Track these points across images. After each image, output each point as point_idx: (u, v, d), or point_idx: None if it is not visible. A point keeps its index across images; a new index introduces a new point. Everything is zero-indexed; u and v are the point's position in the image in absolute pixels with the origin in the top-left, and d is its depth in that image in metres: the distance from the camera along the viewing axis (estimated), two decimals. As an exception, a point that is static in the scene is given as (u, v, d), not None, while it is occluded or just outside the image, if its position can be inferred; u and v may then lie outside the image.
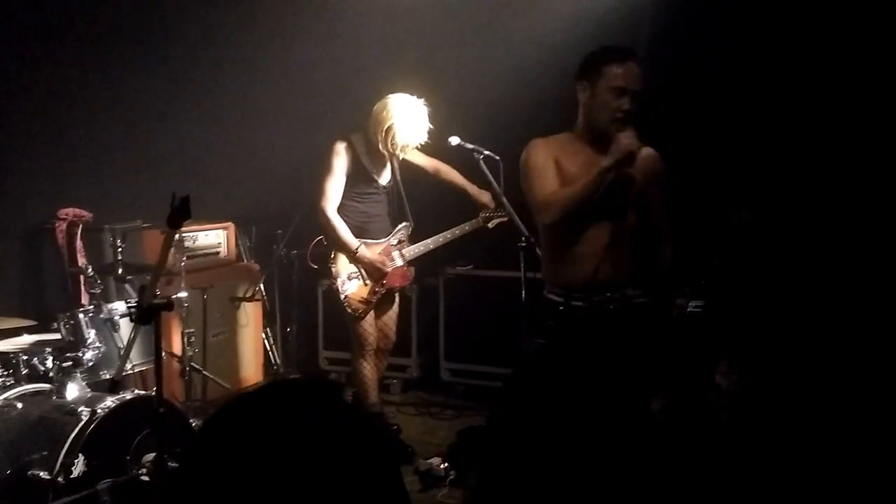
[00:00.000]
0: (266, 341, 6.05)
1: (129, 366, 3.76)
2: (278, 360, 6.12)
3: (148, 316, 2.24)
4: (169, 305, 2.27)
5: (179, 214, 2.23)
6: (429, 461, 4.33)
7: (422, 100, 4.41)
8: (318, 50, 5.62)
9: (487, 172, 3.91)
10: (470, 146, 3.96)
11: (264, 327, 6.02)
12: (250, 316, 5.82)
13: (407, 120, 4.33)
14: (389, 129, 4.32)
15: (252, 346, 5.87)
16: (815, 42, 4.54)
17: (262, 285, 5.79)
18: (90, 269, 3.86)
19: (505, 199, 3.86)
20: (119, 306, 3.80)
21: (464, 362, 5.62)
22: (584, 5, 5.08)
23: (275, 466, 1.43)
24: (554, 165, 3.17)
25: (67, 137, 4.91)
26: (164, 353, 3.96)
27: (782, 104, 4.65)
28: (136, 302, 2.24)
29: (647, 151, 3.17)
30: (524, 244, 3.73)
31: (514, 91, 5.17)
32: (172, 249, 4.91)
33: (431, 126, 4.41)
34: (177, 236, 4.90)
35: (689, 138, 4.59)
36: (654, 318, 3.26)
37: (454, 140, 3.98)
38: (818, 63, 4.53)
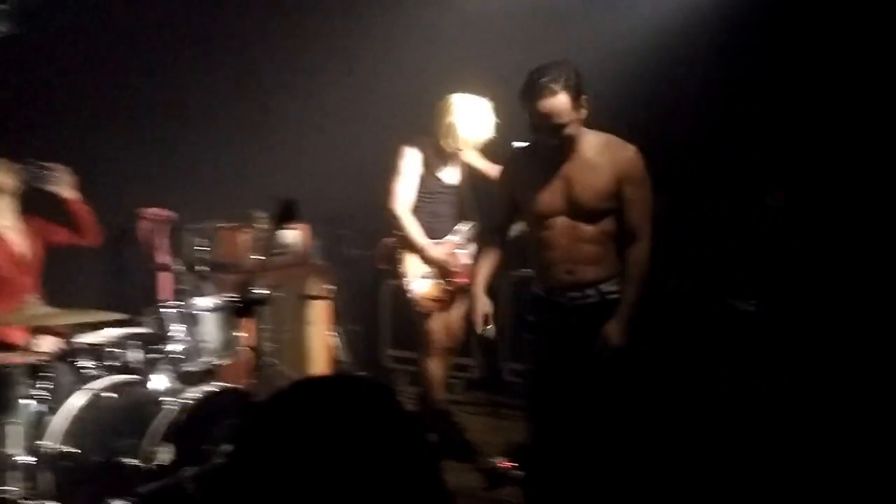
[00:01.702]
0: (333, 339, 6.20)
1: (209, 359, 3.91)
2: (345, 358, 6.27)
3: (247, 310, 2.36)
4: (265, 300, 2.40)
5: (285, 216, 2.35)
6: (492, 460, 4.42)
7: (485, 98, 4.48)
8: (385, 52, 5.73)
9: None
10: None
11: (332, 325, 6.17)
12: (319, 314, 5.97)
13: (468, 117, 4.41)
14: (451, 125, 4.40)
15: (320, 343, 6.01)
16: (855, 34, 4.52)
17: (330, 284, 5.94)
18: (177, 266, 4.02)
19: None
20: (202, 301, 3.96)
21: (525, 362, 5.67)
22: (651, 10, 5.12)
23: (314, 459, 1.51)
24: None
25: (152, 141, 5.13)
26: (244, 347, 4.18)
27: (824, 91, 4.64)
28: (236, 297, 2.37)
29: (623, 151, 3.36)
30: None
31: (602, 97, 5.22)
32: (252, 248, 5.14)
33: (498, 121, 4.48)
34: (257, 237, 5.10)
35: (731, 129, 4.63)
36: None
37: (518, 145, 4.05)
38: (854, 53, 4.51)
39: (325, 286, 5.90)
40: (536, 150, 3.41)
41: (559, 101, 3.22)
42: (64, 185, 4.21)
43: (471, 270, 4.65)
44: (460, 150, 4.54)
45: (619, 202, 3.34)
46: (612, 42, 5.16)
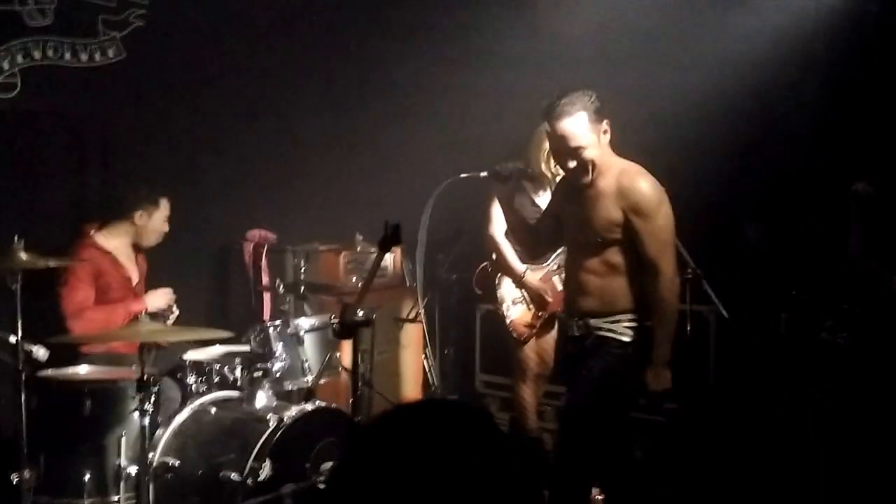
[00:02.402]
0: (425, 362, 6.22)
1: (309, 378, 3.98)
2: (436, 382, 6.28)
3: (349, 331, 2.40)
4: (368, 322, 2.43)
5: (391, 239, 2.39)
6: (586, 490, 4.35)
7: None
8: (480, 76, 5.75)
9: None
10: None
11: (424, 349, 6.20)
12: (411, 337, 6.00)
13: None
14: (550, 151, 4.40)
15: (412, 366, 6.04)
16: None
17: (422, 308, 5.97)
18: (281, 287, 4.12)
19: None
20: (304, 322, 4.03)
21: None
22: (765, 25, 5.02)
23: (419, 483, 1.50)
24: None
25: (256, 166, 5.27)
26: (342, 368, 4.24)
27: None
28: (338, 318, 2.40)
29: (634, 180, 3.22)
30: (690, 276, 3.71)
31: (689, 116, 5.15)
32: (349, 270, 5.22)
33: None
34: (356, 259, 5.18)
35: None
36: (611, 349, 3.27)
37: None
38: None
39: (418, 309, 5.93)
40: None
41: (577, 123, 3.17)
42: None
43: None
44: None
45: (626, 234, 3.20)
46: (700, 62, 5.09)
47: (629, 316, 3.21)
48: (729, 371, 4.67)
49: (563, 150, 3.22)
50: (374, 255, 5.48)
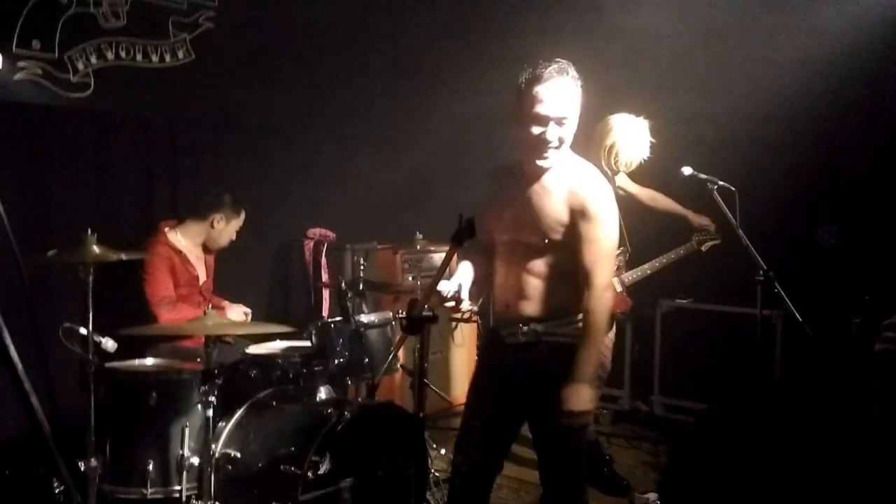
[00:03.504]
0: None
1: (369, 374, 4.01)
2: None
3: (416, 326, 2.41)
4: (435, 318, 2.44)
5: (465, 233, 2.38)
6: (645, 495, 4.31)
7: (641, 117, 4.39)
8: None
9: (722, 203, 3.84)
10: (704, 176, 3.90)
11: (478, 349, 6.20)
12: (465, 337, 6.02)
13: (630, 137, 4.31)
14: (612, 146, 4.31)
15: (466, 366, 6.06)
16: None
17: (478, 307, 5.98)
18: (343, 284, 4.16)
19: (741, 232, 3.77)
20: (364, 318, 4.06)
21: (679, 398, 5.54)
22: (842, 23, 4.89)
23: None
24: None
25: (317, 166, 5.34)
26: (399, 365, 4.26)
27: None
28: (406, 314, 2.41)
29: (584, 180, 2.91)
30: (762, 278, 3.63)
31: (765, 116, 5.06)
32: (406, 268, 5.26)
33: (653, 140, 4.39)
34: (413, 258, 5.21)
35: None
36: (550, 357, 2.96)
37: (687, 170, 3.94)
38: None
39: (473, 309, 5.94)
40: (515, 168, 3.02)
41: (570, 87, 2.82)
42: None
43: (620, 297, 4.59)
44: (621, 171, 4.47)
45: (567, 237, 2.90)
46: (776, 61, 5.00)
47: (580, 316, 2.93)
48: (796, 376, 4.58)
49: (546, 115, 2.80)
50: (433, 254, 5.60)
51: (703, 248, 4.60)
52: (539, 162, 2.89)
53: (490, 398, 3.11)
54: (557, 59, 2.84)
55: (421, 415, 2.57)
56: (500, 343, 3.07)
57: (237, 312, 4.45)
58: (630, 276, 4.69)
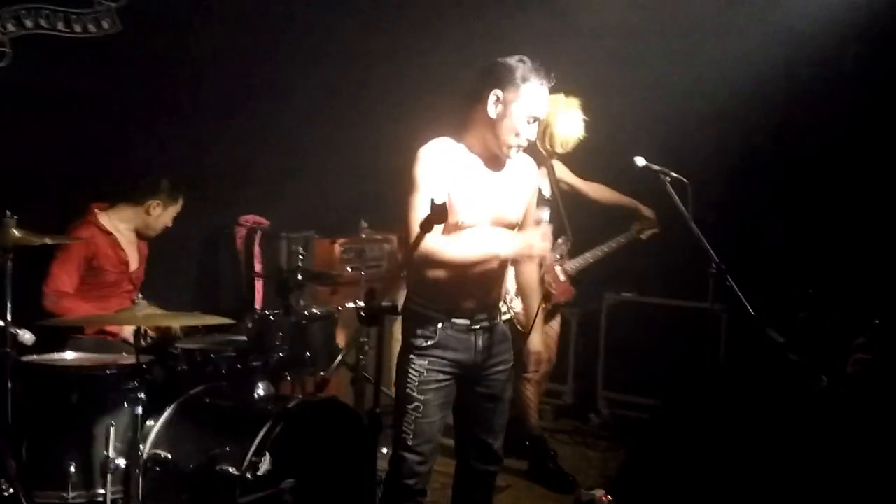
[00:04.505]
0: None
1: (310, 370, 3.84)
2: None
3: (376, 318, 2.26)
4: (395, 309, 2.30)
5: (436, 218, 2.24)
6: (591, 492, 4.24)
7: (572, 97, 4.38)
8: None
9: (674, 195, 3.80)
10: (656, 167, 3.84)
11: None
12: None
13: (564, 116, 4.33)
14: (547, 127, 4.30)
15: (405, 360, 5.90)
16: None
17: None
18: (283, 274, 3.97)
19: (693, 224, 3.72)
20: (305, 311, 3.89)
21: (622, 393, 5.50)
22: (780, 25, 4.94)
23: None
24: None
25: (252, 149, 5.10)
26: (341, 359, 4.08)
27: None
28: (363, 306, 2.27)
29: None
30: (714, 271, 3.59)
31: (699, 112, 5.06)
32: (346, 258, 5.07)
33: (586, 118, 4.37)
34: (348, 248, 5.03)
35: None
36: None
37: (640, 160, 3.87)
38: None
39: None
40: (473, 147, 2.99)
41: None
42: None
43: (563, 287, 4.56)
44: (558, 152, 4.43)
45: (523, 216, 3.13)
46: (721, 59, 5.00)
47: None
48: (738, 369, 4.61)
49: (536, 116, 2.92)
50: (377, 244, 5.42)
51: (642, 237, 4.68)
52: (515, 151, 2.97)
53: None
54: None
55: (377, 411, 2.41)
56: (466, 331, 2.99)
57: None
58: (573, 265, 4.70)
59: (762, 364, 4.28)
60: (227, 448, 3.30)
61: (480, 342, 3.03)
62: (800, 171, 4.93)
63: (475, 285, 2.98)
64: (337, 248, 5.07)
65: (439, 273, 2.94)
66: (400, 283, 3.33)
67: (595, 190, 4.72)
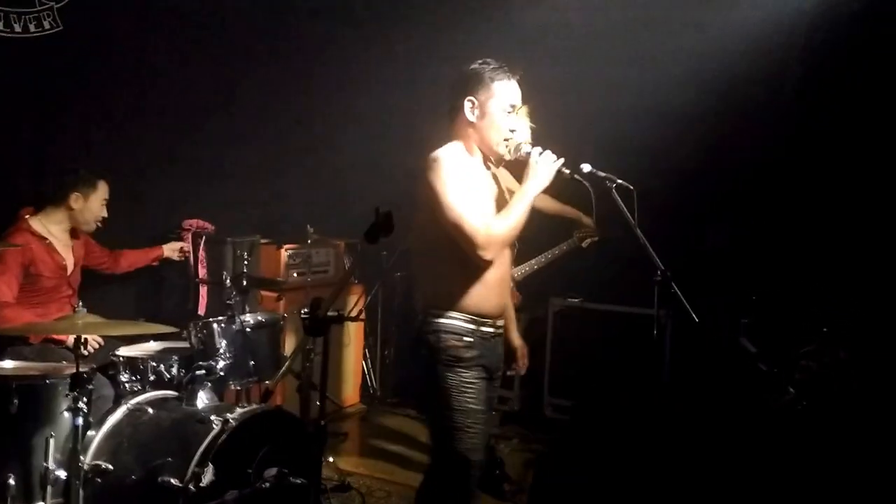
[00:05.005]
0: (364, 363, 6.06)
1: (255, 378, 3.78)
2: (375, 383, 6.13)
3: (320, 328, 2.24)
4: (340, 319, 2.28)
5: (382, 228, 2.22)
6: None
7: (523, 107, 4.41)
8: (435, 66, 5.61)
9: (620, 202, 3.83)
10: (602, 174, 3.88)
11: (364, 349, 6.04)
12: (352, 336, 5.85)
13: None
14: None
15: (352, 366, 5.89)
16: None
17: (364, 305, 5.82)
18: (227, 280, 3.90)
19: (640, 231, 3.76)
20: (251, 318, 3.83)
21: (569, 398, 5.52)
22: (732, 31, 4.97)
23: None
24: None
25: (196, 152, 5.03)
26: (287, 367, 4.03)
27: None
28: (309, 313, 2.24)
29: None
30: (660, 278, 3.64)
31: (639, 121, 5.10)
32: (292, 264, 5.02)
33: (534, 126, 4.40)
34: (295, 253, 4.98)
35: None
36: None
37: (586, 167, 3.89)
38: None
39: (359, 308, 5.77)
40: (474, 154, 3.08)
41: None
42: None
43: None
44: (505, 159, 4.44)
45: None
46: (663, 63, 5.05)
47: None
48: (684, 375, 4.66)
49: (510, 106, 3.04)
50: (324, 249, 5.38)
51: (583, 245, 4.76)
52: (512, 147, 3.04)
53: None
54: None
55: (323, 422, 2.39)
56: (492, 339, 3.07)
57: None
58: (518, 271, 4.76)
59: (708, 370, 4.38)
60: (169, 459, 3.26)
61: (500, 348, 3.15)
62: (743, 177, 5.00)
63: (498, 290, 3.05)
64: (283, 253, 5.02)
65: (469, 281, 2.99)
66: (345, 292, 3.31)
67: (538, 199, 4.74)
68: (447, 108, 3.05)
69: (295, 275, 5.03)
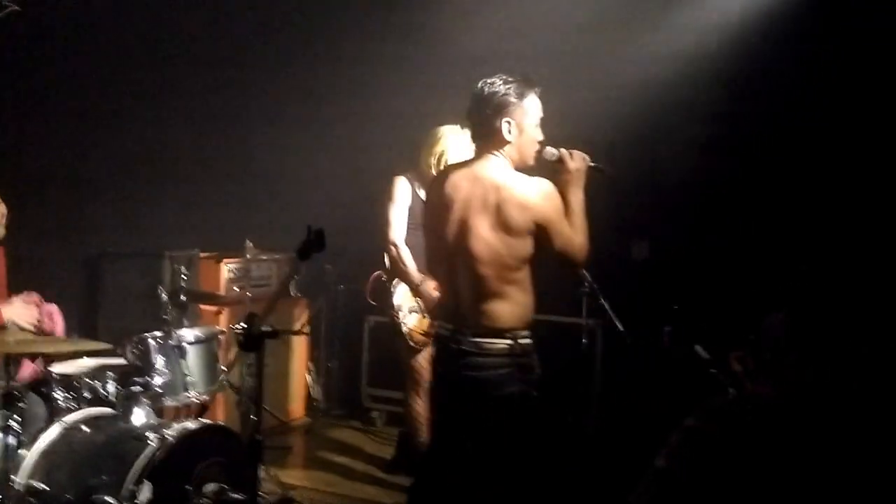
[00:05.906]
0: (308, 377, 6.04)
1: (192, 393, 3.75)
2: (319, 396, 6.11)
3: (255, 343, 2.24)
4: (275, 334, 2.28)
5: (314, 245, 2.23)
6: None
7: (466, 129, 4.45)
8: (383, 82, 5.62)
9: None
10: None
11: (308, 362, 6.02)
12: (296, 350, 5.82)
13: (458, 145, 4.34)
14: (442, 153, 4.38)
15: (297, 380, 5.87)
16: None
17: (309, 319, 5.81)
18: (163, 295, 3.86)
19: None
20: (187, 333, 3.80)
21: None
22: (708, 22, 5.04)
23: None
24: None
25: (133, 165, 4.98)
26: (227, 383, 4.00)
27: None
28: (243, 329, 2.24)
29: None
30: (587, 290, 3.72)
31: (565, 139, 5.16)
32: (232, 278, 4.98)
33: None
34: (235, 267, 4.95)
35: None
36: None
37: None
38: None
39: (303, 321, 5.76)
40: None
41: None
42: None
43: None
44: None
45: None
46: (589, 80, 5.10)
47: None
48: (614, 383, 4.76)
49: (539, 119, 3.14)
50: (263, 263, 5.36)
51: None
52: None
53: None
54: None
55: (258, 438, 2.39)
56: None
57: (19, 309, 3.78)
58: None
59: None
60: (104, 477, 3.22)
61: None
62: (665, 194, 5.10)
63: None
64: (223, 267, 4.99)
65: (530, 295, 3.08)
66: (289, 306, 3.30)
67: None
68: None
69: (235, 289, 5.00)
